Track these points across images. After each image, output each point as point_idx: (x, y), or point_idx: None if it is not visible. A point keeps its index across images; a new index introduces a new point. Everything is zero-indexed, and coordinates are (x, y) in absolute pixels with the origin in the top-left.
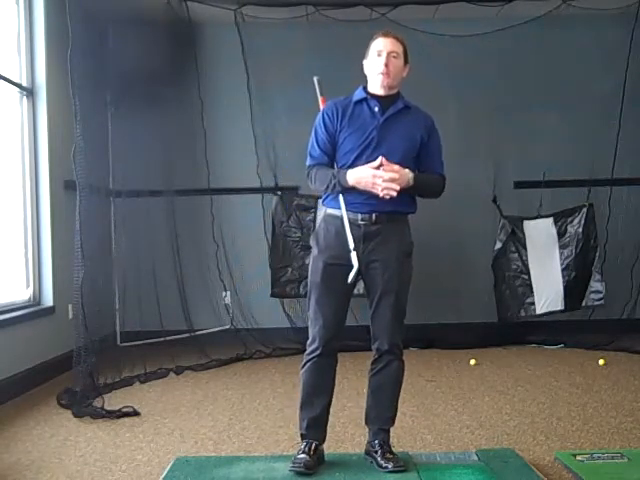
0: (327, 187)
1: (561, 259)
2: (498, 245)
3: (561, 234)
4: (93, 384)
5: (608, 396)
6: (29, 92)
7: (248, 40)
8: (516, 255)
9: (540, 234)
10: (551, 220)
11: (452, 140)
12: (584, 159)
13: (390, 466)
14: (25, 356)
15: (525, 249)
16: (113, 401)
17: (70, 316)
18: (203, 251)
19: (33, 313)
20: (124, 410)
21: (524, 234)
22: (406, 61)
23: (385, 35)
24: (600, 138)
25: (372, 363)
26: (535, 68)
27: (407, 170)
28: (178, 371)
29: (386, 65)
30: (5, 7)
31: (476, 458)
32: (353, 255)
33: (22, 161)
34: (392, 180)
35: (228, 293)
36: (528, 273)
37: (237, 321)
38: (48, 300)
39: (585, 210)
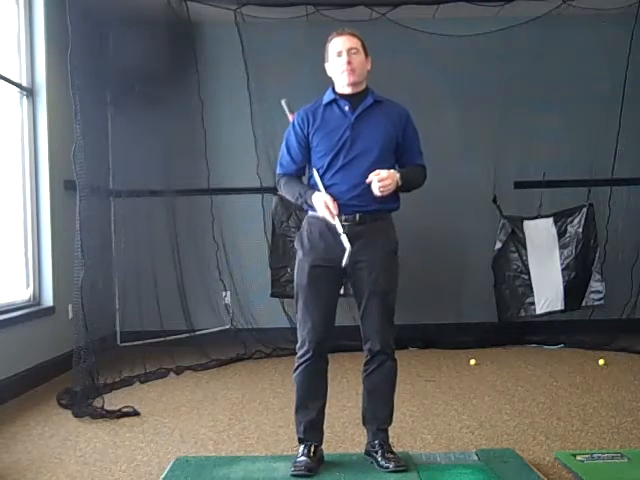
0: (295, 201)
1: (561, 259)
2: (498, 245)
3: (561, 234)
4: (93, 384)
5: (608, 396)
6: (29, 92)
7: (248, 40)
8: (516, 255)
9: (540, 234)
10: (551, 220)
11: (452, 140)
12: (584, 159)
13: (391, 466)
14: (25, 356)
15: (525, 249)
16: (113, 401)
17: (70, 316)
18: (203, 251)
19: (33, 313)
20: (124, 410)
21: (524, 234)
22: (366, 54)
23: (340, 34)
24: (600, 138)
25: (365, 364)
26: (535, 68)
27: (393, 171)
28: (178, 371)
29: (349, 62)
30: (5, 7)
31: (476, 458)
32: (343, 237)
33: (22, 161)
34: (387, 178)
35: (228, 293)
36: (528, 273)
37: (237, 321)
38: (48, 300)
39: (585, 210)
